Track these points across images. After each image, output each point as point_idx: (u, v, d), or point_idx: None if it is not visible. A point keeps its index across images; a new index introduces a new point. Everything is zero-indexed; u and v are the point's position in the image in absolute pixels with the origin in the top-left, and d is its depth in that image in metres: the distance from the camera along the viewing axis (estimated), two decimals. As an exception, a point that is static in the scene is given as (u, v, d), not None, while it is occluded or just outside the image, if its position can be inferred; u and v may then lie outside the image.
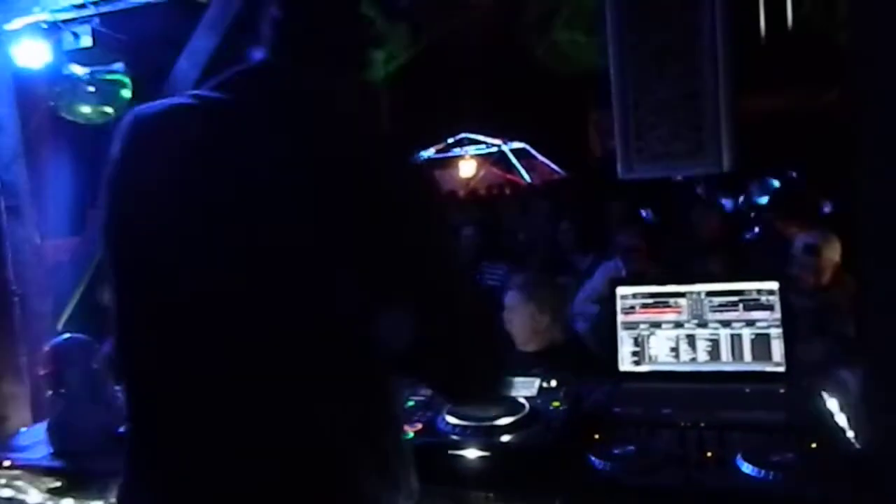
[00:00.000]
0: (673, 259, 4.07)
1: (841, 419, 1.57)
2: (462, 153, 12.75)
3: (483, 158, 12.86)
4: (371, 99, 1.17)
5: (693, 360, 1.86)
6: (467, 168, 12.58)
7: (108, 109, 2.89)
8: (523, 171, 12.49)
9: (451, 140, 12.52)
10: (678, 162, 2.02)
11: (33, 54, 2.69)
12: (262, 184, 0.97)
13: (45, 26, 2.68)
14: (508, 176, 12.63)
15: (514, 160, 12.54)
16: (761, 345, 1.81)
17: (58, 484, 1.75)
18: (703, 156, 1.97)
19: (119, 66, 2.88)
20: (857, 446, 1.46)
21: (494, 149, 12.45)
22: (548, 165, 12.54)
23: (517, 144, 12.54)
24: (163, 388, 1.04)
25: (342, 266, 0.96)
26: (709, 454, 1.45)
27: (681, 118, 1.96)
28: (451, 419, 1.59)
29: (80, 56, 2.78)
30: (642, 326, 1.91)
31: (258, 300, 0.97)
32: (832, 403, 1.65)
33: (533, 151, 12.59)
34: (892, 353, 1.19)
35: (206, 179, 1.00)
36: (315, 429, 0.99)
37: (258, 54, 1.10)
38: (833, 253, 3.25)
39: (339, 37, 1.11)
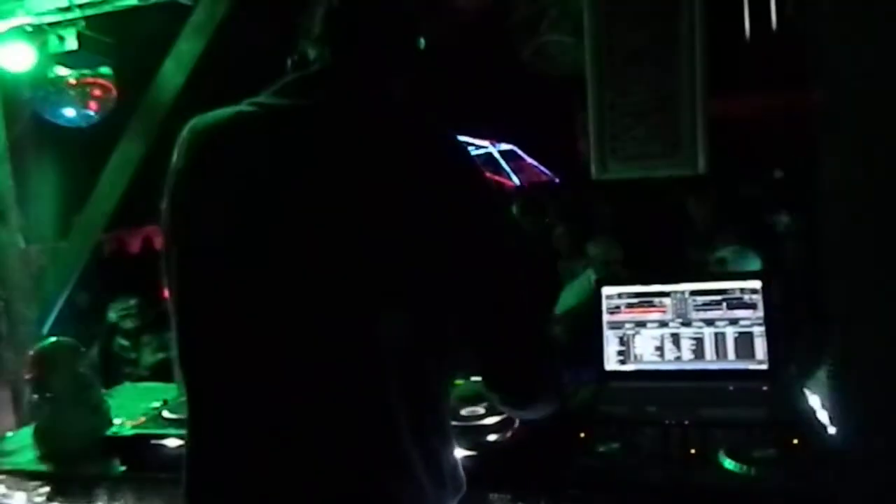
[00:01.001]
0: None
1: (822, 416, 1.59)
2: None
3: (471, 160, 12.80)
4: (422, 96, 1.16)
5: (678, 358, 1.87)
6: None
7: (93, 113, 2.88)
8: (511, 173, 12.50)
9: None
10: (653, 163, 2.04)
11: (18, 57, 2.68)
12: (332, 190, 0.97)
13: (29, 29, 2.67)
14: (497, 178, 12.64)
15: (502, 162, 12.54)
16: (744, 343, 1.83)
17: (44, 488, 1.74)
18: (678, 157, 1.99)
19: (104, 68, 2.87)
20: (838, 442, 1.48)
21: (483, 151, 12.45)
22: (536, 167, 12.57)
23: (505, 146, 12.55)
24: (228, 395, 1.03)
25: (409, 267, 0.96)
26: (692, 451, 1.46)
27: (657, 120, 1.98)
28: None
29: (66, 59, 2.77)
30: (627, 326, 1.93)
31: (324, 305, 0.97)
32: (813, 400, 1.68)
33: (521, 153, 12.61)
34: (861, 353, 1.20)
35: (273, 188, 0.99)
36: (372, 430, 0.99)
37: (314, 56, 1.07)
38: (742, 268, 3.32)
39: (393, 35, 1.10)
